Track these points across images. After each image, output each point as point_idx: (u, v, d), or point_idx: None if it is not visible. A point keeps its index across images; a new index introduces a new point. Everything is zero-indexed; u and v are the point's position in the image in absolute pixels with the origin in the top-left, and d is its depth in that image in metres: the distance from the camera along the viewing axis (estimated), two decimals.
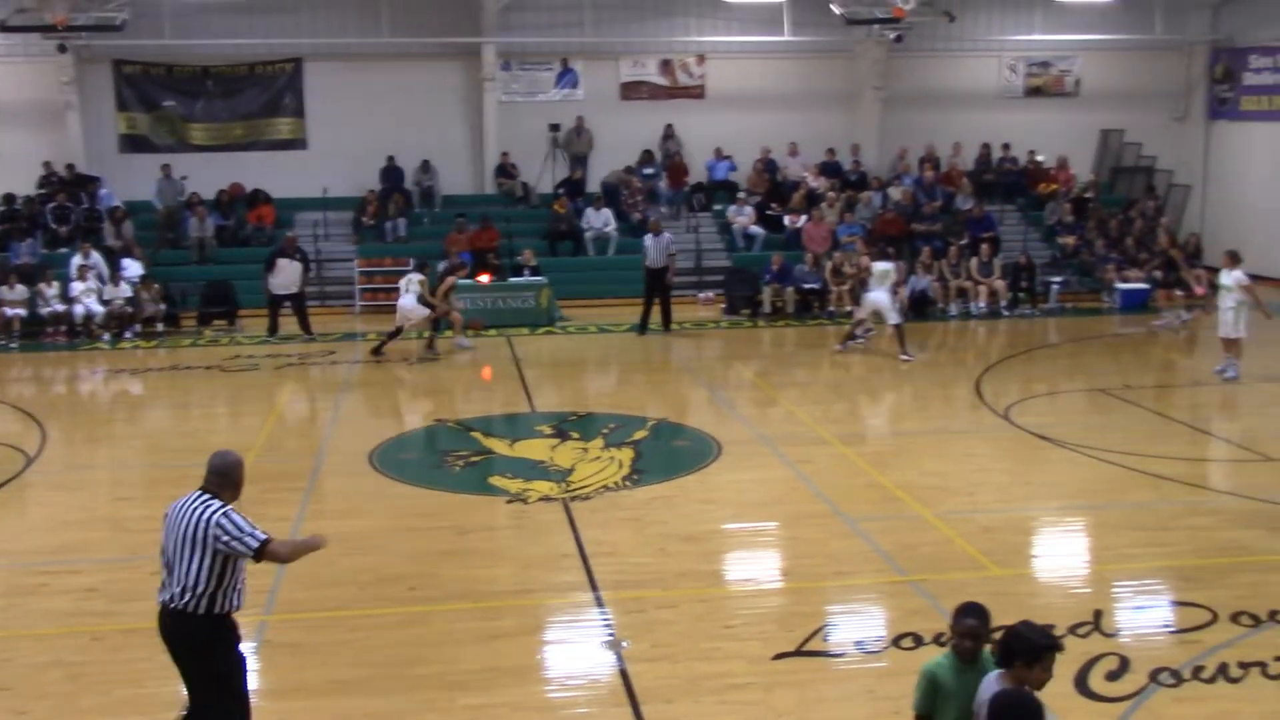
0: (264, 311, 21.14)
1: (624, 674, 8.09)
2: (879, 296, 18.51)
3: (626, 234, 24.55)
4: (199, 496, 6.40)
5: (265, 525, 6.54)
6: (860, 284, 20.21)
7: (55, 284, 21.12)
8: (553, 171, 26.11)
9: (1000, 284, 22.93)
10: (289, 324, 21.04)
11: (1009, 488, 12.34)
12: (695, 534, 10.85)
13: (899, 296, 19.75)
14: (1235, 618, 8.82)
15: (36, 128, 24.47)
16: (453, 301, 19.89)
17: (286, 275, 20.87)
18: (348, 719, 7.57)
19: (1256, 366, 17.17)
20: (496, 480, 12.49)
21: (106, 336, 20.72)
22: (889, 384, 17.40)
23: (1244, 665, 8.06)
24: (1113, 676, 7.94)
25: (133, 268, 21.93)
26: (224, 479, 6.47)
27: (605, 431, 14.25)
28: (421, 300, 19.13)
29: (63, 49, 22.77)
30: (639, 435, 14.12)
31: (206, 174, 24.68)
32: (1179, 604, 9.22)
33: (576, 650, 8.64)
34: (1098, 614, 8.86)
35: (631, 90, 26.61)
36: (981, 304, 22.74)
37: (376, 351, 19.11)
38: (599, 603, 9.30)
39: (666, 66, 26.62)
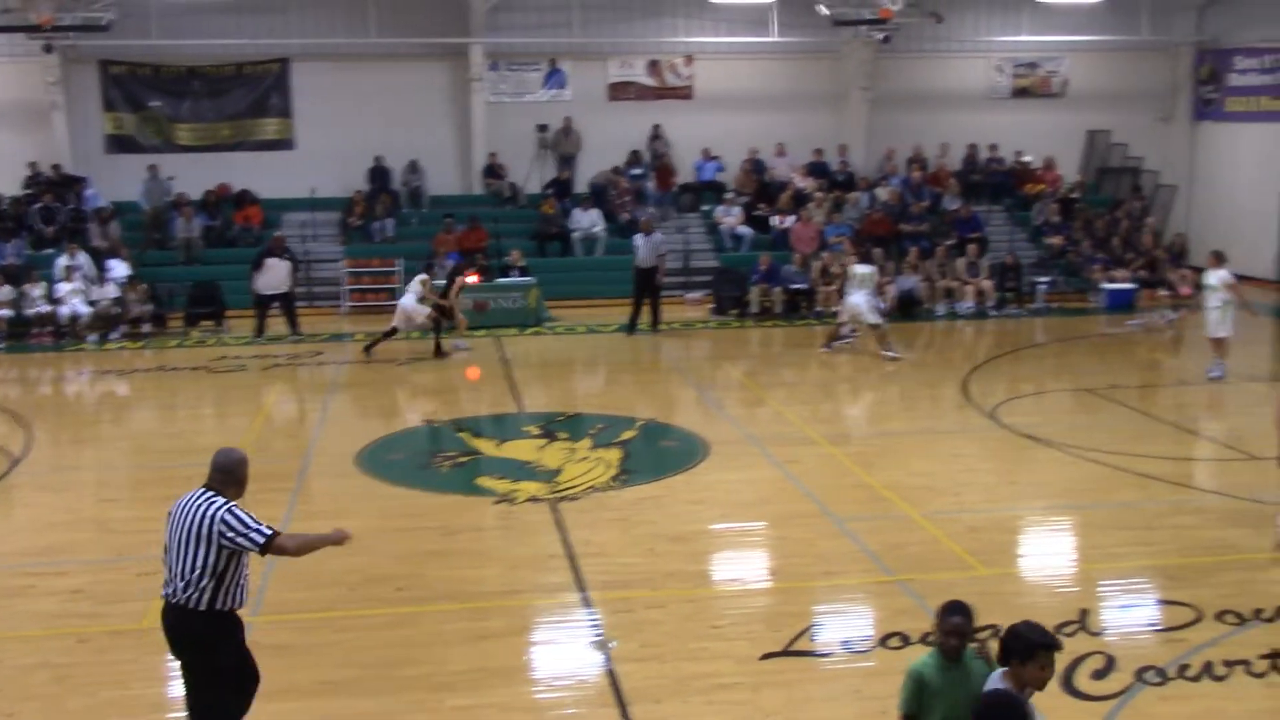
0: (251, 312, 21.10)
1: (612, 674, 8.10)
2: (857, 300, 18.60)
3: (614, 234, 24.56)
4: (203, 493, 6.42)
5: None
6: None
7: (41, 285, 21.06)
8: (540, 172, 26.11)
9: (987, 284, 22.99)
10: (275, 325, 21.00)
11: (996, 487, 12.38)
12: (683, 534, 10.86)
13: (886, 295, 19.83)
14: (1220, 616, 8.87)
15: (22, 128, 24.37)
16: (460, 301, 19.91)
17: (275, 275, 20.84)
18: None
19: (1242, 365, 17.25)
20: (484, 481, 12.48)
21: (93, 337, 20.65)
22: (876, 384, 17.44)
23: (1229, 663, 8.10)
24: (1099, 675, 7.98)
25: (119, 268, 21.86)
26: (228, 476, 6.50)
27: (593, 432, 14.26)
28: (422, 301, 19.11)
29: (48, 49, 22.68)
30: (627, 435, 14.13)
31: (193, 174, 24.61)
32: (1164, 603, 9.27)
33: (564, 651, 8.65)
34: (1084, 613, 8.89)
35: (619, 91, 26.61)
36: (968, 304, 22.79)
37: (368, 350, 19.09)
38: (587, 603, 9.31)
39: (654, 67, 26.63)
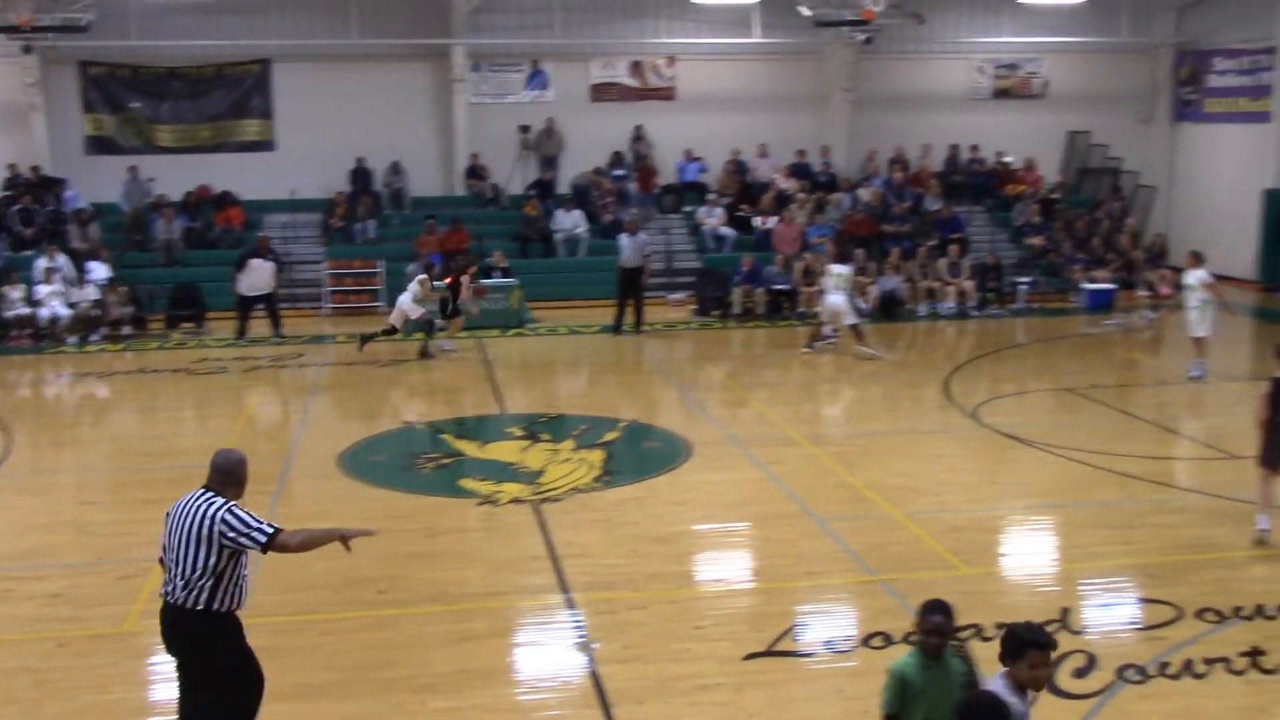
0: (233, 314, 21.01)
1: (595, 675, 8.10)
2: (835, 300, 18.72)
3: (597, 235, 24.56)
4: (202, 494, 6.44)
5: None
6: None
7: (20, 287, 20.91)
8: (523, 173, 26.09)
9: (969, 284, 23.06)
10: (256, 327, 20.92)
11: (977, 487, 12.42)
12: (666, 535, 10.87)
13: (869, 296, 19.84)
14: (1200, 614, 8.92)
15: (1, 129, 24.23)
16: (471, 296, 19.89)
17: (259, 276, 20.76)
18: None
19: (1222, 365, 17.35)
20: (467, 482, 12.46)
21: (72, 340, 20.53)
22: (858, 384, 17.47)
23: (1209, 661, 8.15)
24: (1080, 674, 8.01)
25: (99, 270, 21.75)
26: (227, 476, 6.53)
27: (576, 433, 14.26)
28: (419, 301, 19.11)
29: (27, 50, 22.57)
30: (610, 437, 14.13)
31: (174, 176, 24.50)
32: (1145, 601, 9.32)
33: (547, 652, 8.65)
34: (1065, 612, 8.93)
35: (601, 92, 26.61)
36: (950, 304, 22.86)
37: (362, 344, 19.02)
38: (570, 604, 9.31)
39: (636, 68, 26.63)
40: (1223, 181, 26.43)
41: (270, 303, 20.92)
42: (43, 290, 20.80)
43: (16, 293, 20.80)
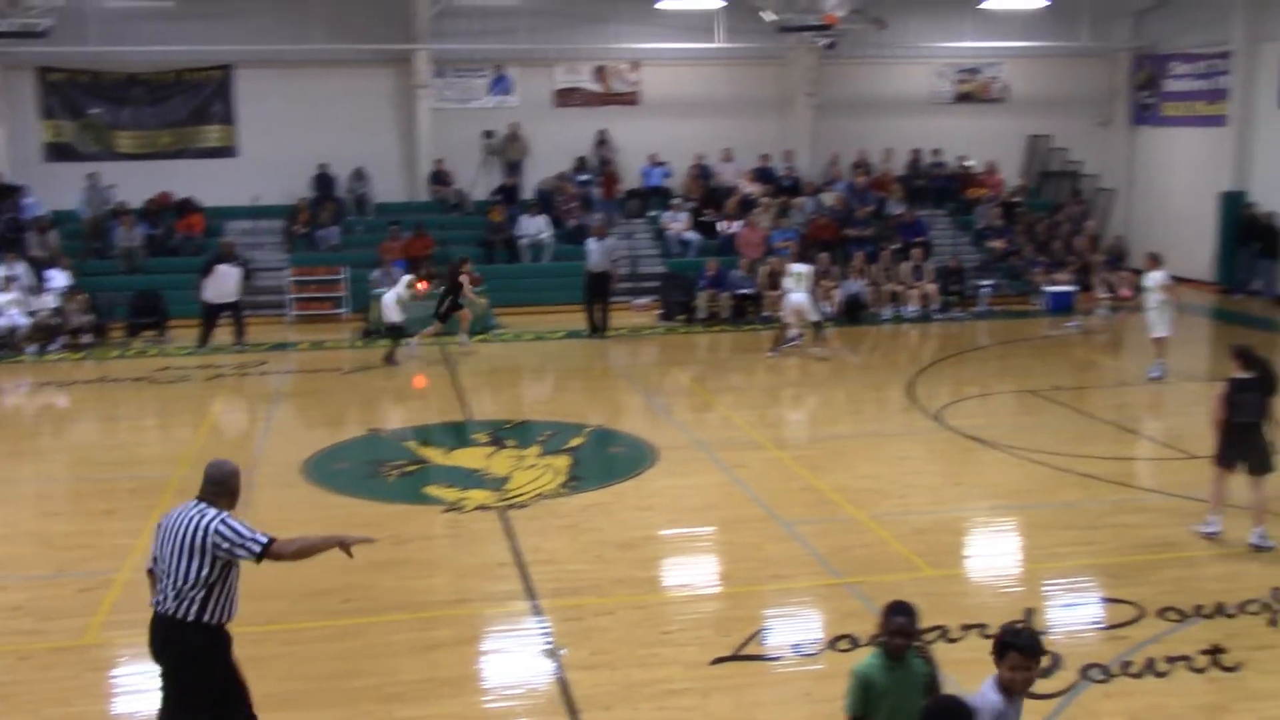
0: (195, 322, 20.80)
1: (562, 682, 8.09)
2: (798, 298, 18.90)
3: (562, 240, 24.56)
4: (195, 505, 6.42)
5: None
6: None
7: None
8: (487, 178, 26.05)
9: (931, 288, 23.21)
10: (218, 335, 20.72)
11: (941, 489, 12.50)
12: (632, 540, 10.87)
13: (833, 300, 19.88)
14: (1162, 613, 9.01)
15: None
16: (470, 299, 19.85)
17: (226, 283, 20.55)
18: None
19: (1181, 365, 17.55)
20: (432, 489, 12.42)
21: (32, 349, 20.28)
22: (823, 388, 17.55)
23: (1170, 660, 8.23)
24: (1044, 673, 8.05)
25: (58, 278, 21.52)
26: (220, 488, 6.51)
27: (542, 439, 14.24)
28: (398, 302, 19.14)
29: None
30: (575, 442, 14.12)
31: (134, 182, 24.28)
32: (1108, 601, 9.41)
33: (514, 659, 8.63)
34: (1029, 612, 8.99)
35: (565, 97, 26.61)
36: (913, 307, 23.00)
37: (387, 359, 19.01)
38: (536, 611, 9.29)
39: (600, 73, 26.66)
40: (1180, 184, 26.75)
41: (236, 311, 20.75)
42: (1, 299, 20.55)
43: None
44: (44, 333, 20.52)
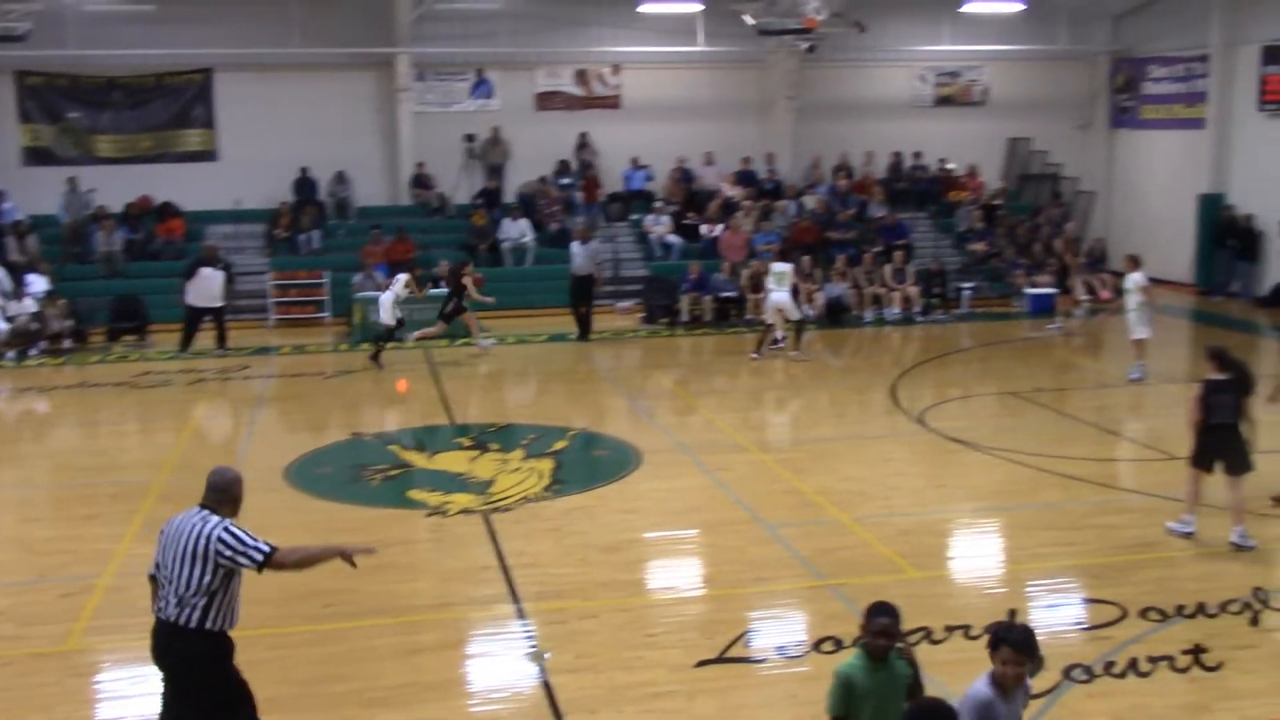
0: (176, 326, 20.68)
1: (547, 685, 8.09)
2: (780, 297, 18.96)
3: (544, 244, 24.55)
4: (198, 512, 6.40)
5: None
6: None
7: None
8: (468, 182, 26.02)
9: (913, 290, 23.29)
10: (200, 339, 20.63)
11: (924, 491, 12.53)
12: (616, 543, 10.87)
13: (815, 303, 19.92)
14: (1144, 613, 9.06)
15: None
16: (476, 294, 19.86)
17: (210, 286, 20.41)
18: None
19: (1161, 367, 17.65)
20: (415, 493, 12.40)
21: (11, 354, 20.16)
22: (806, 390, 17.58)
23: (1153, 659, 8.28)
24: (1030, 673, 8.08)
25: (38, 283, 21.38)
26: (222, 495, 6.49)
27: (525, 442, 14.22)
28: (395, 302, 19.19)
29: None
30: (559, 446, 14.11)
31: (114, 186, 24.15)
32: (1090, 601, 9.45)
33: (499, 663, 8.62)
34: (1012, 613, 9.00)
35: (547, 100, 26.61)
36: (895, 310, 23.07)
37: (374, 357, 19.03)
38: (520, 614, 9.28)
39: (582, 77, 26.67)
40: (1159, 186, 26.92)
41: (219, 315, 20.65)
42: None
43: None
44: (23, 338, 20.40)
